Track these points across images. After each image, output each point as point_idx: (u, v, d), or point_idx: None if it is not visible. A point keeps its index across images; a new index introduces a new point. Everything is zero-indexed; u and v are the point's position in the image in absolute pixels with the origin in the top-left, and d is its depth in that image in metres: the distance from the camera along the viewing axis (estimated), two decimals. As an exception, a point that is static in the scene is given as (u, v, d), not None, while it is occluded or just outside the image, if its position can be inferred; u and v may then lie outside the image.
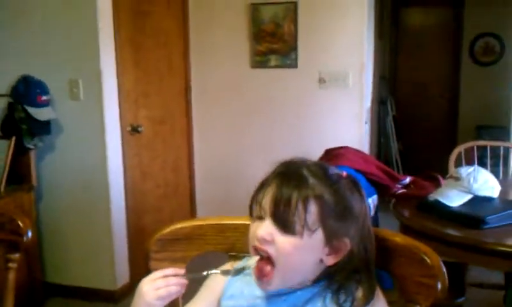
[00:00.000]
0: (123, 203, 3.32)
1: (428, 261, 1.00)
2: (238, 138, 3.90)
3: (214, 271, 1.02)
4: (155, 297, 0.95)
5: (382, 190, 2.44)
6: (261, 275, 0.96)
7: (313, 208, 0.92)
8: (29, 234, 1.34)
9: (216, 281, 1.06)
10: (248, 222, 1.02)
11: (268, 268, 0.95)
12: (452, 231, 2.01)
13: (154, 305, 0.95)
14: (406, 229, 2.12)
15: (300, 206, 0.92)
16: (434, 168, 2.72)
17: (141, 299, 0.96)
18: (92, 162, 3.17)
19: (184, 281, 0.97)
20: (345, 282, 0.96)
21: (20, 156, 3.02)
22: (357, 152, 2.59)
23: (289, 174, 0.95)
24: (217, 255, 1.14)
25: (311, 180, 0.94)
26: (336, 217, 0.94)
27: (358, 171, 2.35)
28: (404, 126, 6.05)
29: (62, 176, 3.24)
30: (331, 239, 0.94)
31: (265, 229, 0.94)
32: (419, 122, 6.27)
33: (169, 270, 0.99)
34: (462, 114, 6.13)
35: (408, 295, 1.02)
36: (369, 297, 0.96)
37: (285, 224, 0.93)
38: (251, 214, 0.99)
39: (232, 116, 3.93)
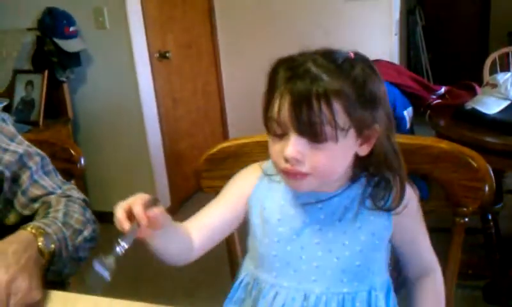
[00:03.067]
0: (158, 130, 3.38)
1: (475, 165, 1.01)
2: (265, 57, 3.83)
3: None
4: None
5: (417, 101, 2.42)
6: (292, 176, 0.88)
7: (337, 106, 0.83)
8: (82, 161, 1.38)
9: (246, 179, 1.02)
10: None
11: (301, 176, 0.87)
12: (489, 139, 2.01)
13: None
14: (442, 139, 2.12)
15: (325, 108, 0.82)
16: (466, 77, 2.66)
17: None
18: (124, 90, 3.20)
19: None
20: (381, 177, 0.93)
21: (53, 89, 3.07)
22: (390, 64, 2.55)
23: (300, 76, 0.84)
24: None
25: (325, 77, 0.83)
26: (362, 106, 0.85)
27: (392, 83, 2.32)
28: (434, 36, 5.87)
29: (96, 107, 3.29)
30: (362, 130, 0.87)
31: (293, 147, 0.84)
32: (449, 31, 6.06)
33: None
34: (493, 20, 5.90)
35: (456, 199, 1.04)
36: (403, 192, 0.93)
37: (315, 134, 0.83)
38: (269, 132, 0.89)
39: (257, 36, 3.87)
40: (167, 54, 3.39)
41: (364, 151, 0.91)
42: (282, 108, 0.84)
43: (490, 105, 2.14)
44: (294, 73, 0.85)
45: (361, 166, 0.94)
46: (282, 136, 0.86)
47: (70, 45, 3.03)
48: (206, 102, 3.98)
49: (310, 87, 0.82)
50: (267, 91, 0.89)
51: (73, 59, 3.10)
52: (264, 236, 0.97)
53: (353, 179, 0.95)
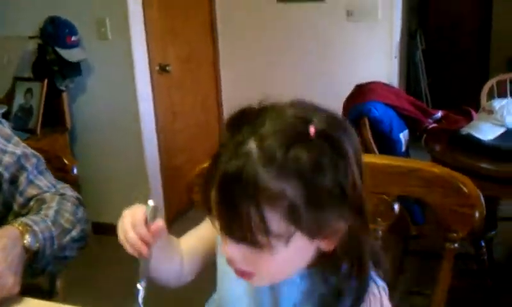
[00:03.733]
0: (155, 143, 3.38)
1: (465, 190, 1.01)
2: (265, 75, 3.87)
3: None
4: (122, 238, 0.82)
5: (413, 125, 2.43)
6: (239, 274, 0.76)
7: (271, 213, 0.66)
8: (75, 170, 1.39)
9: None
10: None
11: (248, 276, 0.75)
12: (484, 165, 2.02)
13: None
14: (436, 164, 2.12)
15: (255, 218, 0.66)
16: (465, 103, 2.68)
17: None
18: (123, 102, 3.21)
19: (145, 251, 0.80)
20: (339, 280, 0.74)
21: (52, 98, 3.08)
22: (388, 87, 2.57)
23: (233, 163, 0.66)
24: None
25: (262, 173, 0.65)
26: (315, 208, 0.67)
27: (389, 105, 2.34)
28: (434, 60, 5.91)
29: (94, 117, 3.29)
30: (316, 233, 0.70)
31: (228, 249, 0.72)
32: (449, 56, 6.10)
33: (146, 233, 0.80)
34: (493, 46, 5.94)
35: (447, 224, 1.04)
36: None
37: (245, 240, 0.69)
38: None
39: (258, 50, 3.89)
40: (167, 67, 3.40)
41: (326, 246, 0.73)
42: (212, 196, 0.70)
43: (486, 131, 2.15)
44: (230, 156, 0.68)
45: (329, 258, 0.75)
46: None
47: (71, 55, 3.05)
48: (205, 116, 3.98)
49: (239, 184, 0.66)
50: (209, 166, 0.73)
51: (74, 69, 3.11)
52: (222, 288, 0.90)
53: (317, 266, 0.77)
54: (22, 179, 1.20)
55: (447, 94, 5.65)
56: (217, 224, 0.72)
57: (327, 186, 0.67)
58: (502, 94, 2.88)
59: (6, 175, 1.18)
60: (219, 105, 4.11)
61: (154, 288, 0.87)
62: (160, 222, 0.82)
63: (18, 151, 1.21)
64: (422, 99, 5.50)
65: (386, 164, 1.11)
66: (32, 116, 3.02)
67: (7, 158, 1.19)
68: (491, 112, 2.24)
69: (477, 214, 1.01)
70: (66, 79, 3.09)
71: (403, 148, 2.32)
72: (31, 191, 1.21)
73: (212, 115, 4.06)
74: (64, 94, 3.14)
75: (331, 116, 0.72)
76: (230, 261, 0.74)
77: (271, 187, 0.65)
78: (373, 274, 0.78)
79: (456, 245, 1.05)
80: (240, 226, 0.67)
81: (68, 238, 1.16)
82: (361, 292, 0.74)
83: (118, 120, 3.25)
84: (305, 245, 0.71)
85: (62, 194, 1.22)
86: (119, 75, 3.18)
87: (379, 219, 1.10)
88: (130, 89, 3.16)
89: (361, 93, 2.39)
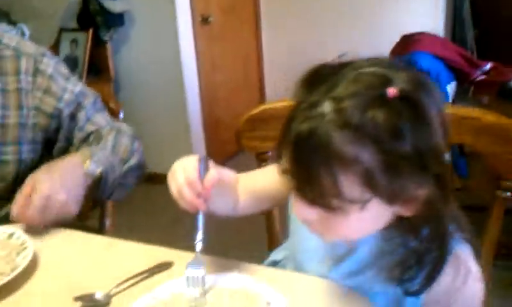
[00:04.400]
0: (197, 94, 3.41)
1: (519, 138, 1.00)
2: (307, 28, 3.82)
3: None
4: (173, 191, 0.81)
5: (461, 76, 2.37)
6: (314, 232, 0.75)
7: (348, 178, 0.63)
8: (121, 114, 1.44)
9: None
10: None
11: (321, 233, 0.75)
12: (534, 117, 1.96)
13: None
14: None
15: (327, 181, 0.63)
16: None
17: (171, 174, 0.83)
18: (165, 53, 3.23)
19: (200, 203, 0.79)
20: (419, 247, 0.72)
21: (96, 49, 3.13)
22: (435, 37, 2.50)
23: (308, 124, 0.64)
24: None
25: (336, 136, 0.62)
26: (393, 174, 0.64)
27: (436, 56, 2.28)
28: (481, 11, 5.69)
29: (137, 68, 3.33)
30: (393, 198, 0.67)
31: (297, 210, 0.71)
32: (497, 7, 5.86)
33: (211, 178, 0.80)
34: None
35: (497, 173, 1.03)
36: (435, 273, 0.71)
37: (317, 203, 0.67)
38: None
39: (299, 4, 3.82)
40: (209, 19, 3.39)
41: (406, 212, 0.70)
42: (285, 156, 0.68)
43: (537, 83, 2.08)
44: (305, 117, 0.65)
45: (405, 223, 0.73)
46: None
47: (114, 5, 3.07)
48: (245, 70, 3.98)
49: (313, 147, 0.63)
50: (283, 126, 0.69)
51: (117, 19, 3.14)
52: (296, 232, 0.90)
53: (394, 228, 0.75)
54: (81, 116, 1.29)
55: (494, 47, 5.46)
56: (290, 184, 0.70)
57: (406, 152, 0.63)
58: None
59: (66, 111, 1.27)
60: (259, 59, 4.09)
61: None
62: (214, 175, 0.81)
63: (77, 88, 1.29)
64: (468, 51, 5.32)
65: (437, 111, 1.10)
66: (78, 66, 3.08)
67: (67, 96, 1.27)
68: (542, 63, 2.16)
69: (530, 163, 1.00)
70: (110, 30, 3.13)
71: (450, 100, 2.27)
72: (90, 127, 1.29)
73: (252, 70, 4.05)
74: (108, 45, 3.18)
75: (412, 76, 0.67)
76: (301, 221, 0.73)
77: (345, 151, 0.62)
78: (456, 237, 0.75)
79: (508, 194, 1.04)
80: (313, 189, 0.65)
81: (126, 166, 1.26)
82: (441, 257, 0.71)
83: (160, 71, 3.28)
84: (382, 210, 0.68)
85: (118, 129, 1.30)
86: (161, 27, 3.19)
87: (428, 168, 1.10)
88: (172, 40, 3.17)
89: (408, 44, 2.34)
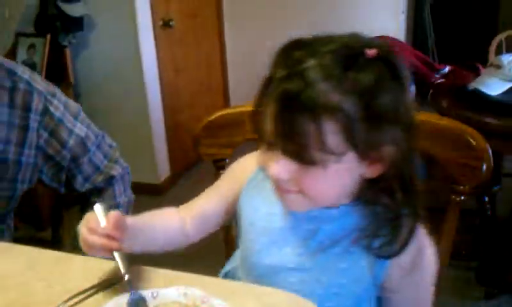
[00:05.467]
0: (159, 99, 3.36)
1: (474, 143, 1.01)
2: (270, 29, 3.82)
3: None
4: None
5: (420, 80, 2.40)
6: (283, 192, 0.77)
7: (330, 126, 0.67)
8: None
9: (243, 169, 0.93)
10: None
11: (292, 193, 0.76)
12: (490, 120, 2.00)
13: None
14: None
15: (312, 130, 0.67)
16: (472, 59, 2.64)
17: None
18: (126, 58, 3.17)
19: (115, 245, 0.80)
20: (389, 208, 0.77)
21: (55, 54, 3.05)
22: (394, 41, 2.53)
23: (291, 80, 0.68)
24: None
25: (321, 86, 0.66)
26: (369, 126, 0.68)
27: (395, 60, 2.30)
28: (442, 15, 5.81)
29: (98, 73, 3.26)
30: (366, 153, 0.71)
31: (277, 167, 0.73)
32: (457, 11, 5.99)
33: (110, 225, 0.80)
34: (503, 1, 5.82)
35: (453, 177, 1.04)
36: (410, 235, 0.76)
37: (299, 155, 0.70)
38: (258, 138, 0.77)
39: (263, 6, 3.82)
40: (171, 23, 3.35)
41: (373, 173, 0.75)
42: (267, 116, 0.72)
43: (493, 87, 2.13)
44: (288, 73, 0.69)
45: (372, 189, 0.77)
46: (270, 146, 0.74)
47: (73, 9, 3.00)
48: (208, 73, 3.95)
49: (298, 98, 0.67)
50: (261, 87, 0.74)
51: (77, 24, 3.07)
52: (247, 240, 0.90)
53: (360, 199, 0.79)
54: (83, 159, 1.30)
55: (455, 50, 5.58)
56: (265, 147, 0.75)
57: (385, 106, 0.69)
58: (511, 50, 2.84)
59: (69, 156, 1.27)
60: (223, 63, 4.07)
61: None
62: (114, 214, 0.81)
63: (83, 132, 1.30)
64: (429, 55, 5.43)
65: (393, 116, 1.10)
66: (36, 72, 2.99)
67: (72, 142, 1.27)
68: (499, 67, 2.20)
69: (484, 167, 1.01)
70: (68, 34, 3.06)
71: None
72: (88, 170, 1.31)
73: (215, 73, 4.03)
74: (67, 50, 3.10)
75: (385, 43, 0.74)
76: (276, 181, 0.75)
77: (330, 99, 0.66)
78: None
79: (462, 197, 1.05)
80: (297, 141, 0.68)
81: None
82: (414, 221, 0.77)
83: (121, 76, 3.22)
84: (354, 166, 0.72)
85: (112, 177, 1.35)
86: (121, 31, 3.13)
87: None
88: (133, 45, 3.12)
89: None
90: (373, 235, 0.77)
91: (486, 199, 2.29)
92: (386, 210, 0.77)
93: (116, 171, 1.38)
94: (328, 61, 0.68)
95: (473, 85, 2.18)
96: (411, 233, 0.76)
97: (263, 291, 0.81)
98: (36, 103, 1.21)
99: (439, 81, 2.44)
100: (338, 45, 0.70)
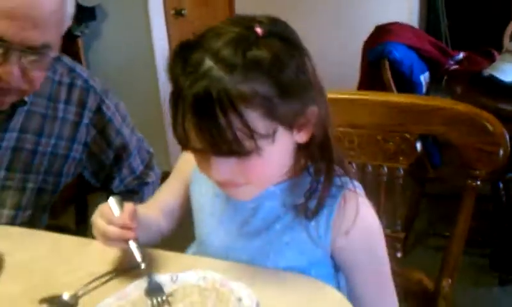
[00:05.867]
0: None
1: (490, 128, 1.00)
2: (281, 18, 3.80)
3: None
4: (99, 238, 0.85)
5: (434, 66, 2.39)
6: (230, 186, 0.79)
7: (253, 113, 0.69)
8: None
9: (186, 162, 0.94)
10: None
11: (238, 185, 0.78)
12: (505, 106, 1.99)
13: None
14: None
15: (237, 124, 0.68)
16: (486, 44, 2.62)
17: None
18: (138, 47, 3.18)
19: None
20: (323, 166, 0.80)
21: (68, 44, 3.06)
22: (408, 28, 2.51)
23: (199, 83, 0.68)
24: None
25: (229, 80, 0.67)
26: (286, 98, 0.71)
27: (409, 47, 2.29)
28: (455, 0, 5.74)
29: (109, 62, 3.28)
30: (294, 122, 0.74)
31: (216, 171, 0.74)
32: (470, -3, 5.91)
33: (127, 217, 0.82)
34: (517, -14, 5.74)
35: (469, 163, 1.04)
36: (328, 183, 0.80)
37: (233, 152, 0.70)
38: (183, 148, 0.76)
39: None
40: (183, 11, 3.35)
41: (303, 138, 0.77)
42: (189, 127, 0.71)
43: (508, 72, 2.11)
44: (193, 79, 0.68)
45: (305, 154, 0.81)
46: (202, 152, 0.74)
47: (85, -1, 3.01)
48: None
49: (212, 99, 0.67)
50: (171, 102, 0.73)
51: (89, 14, 3.08)
52: (198, 224, 0.92)
53: (297, 171, 0.83)
54: (125, 162, 1.32)
55: (468, 36, 5.51)
56: (196, 155, 0.75)
57: (291, 75, 0.71)
58: (526, 35, 2.80)
59: (112, 156, 1.29)
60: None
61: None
62: (130, 205, 0.83)
63: (127, 135, 1.32)
64: (442, 40, 5.37)
65: (409, 102, 1.10)
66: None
67: (118, 142, 1.30)
68: (514, 52, 2.18)
69: (501, 152, 1.00)
70: (81, 24, 3.07)
71: (423, 90, 2.28)
72: (126, 172, 1.34)
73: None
74: (80, 40, 3.12)
75: (271, 17, 0.76)
76: (221, 185, 0.78)
77: (241, 90, 0.67)
78: (348, 178, 0.82)
79: (478, 182, 1.04)
80: (226, 138, 0.68)
81: None
82: (327, 185, 0.79)
83: (133, 65, 3.23)
84: (287, 139, 0.75)
85: (146, 184, 1.37)
86: (134, 20, 3.14)
87: (401, 158, 1.10)
88: (145, 34, 3.13)
89: (381, 34, 2.34)
90: (306, 204, 0.80)
91: (501, 185, 2.27)
92: (315, 176, 0.80)
93: (150, 178, 1.40)
94: (226, 55, 0.68)
95: (488, 71, 2.16)
96: (327, 187, 0.79)
97: (284, 275, 0.81)
98: (92, 101, 1.24)
99: (453, 67, 2.42)
100: (228, 35, 0.70)
